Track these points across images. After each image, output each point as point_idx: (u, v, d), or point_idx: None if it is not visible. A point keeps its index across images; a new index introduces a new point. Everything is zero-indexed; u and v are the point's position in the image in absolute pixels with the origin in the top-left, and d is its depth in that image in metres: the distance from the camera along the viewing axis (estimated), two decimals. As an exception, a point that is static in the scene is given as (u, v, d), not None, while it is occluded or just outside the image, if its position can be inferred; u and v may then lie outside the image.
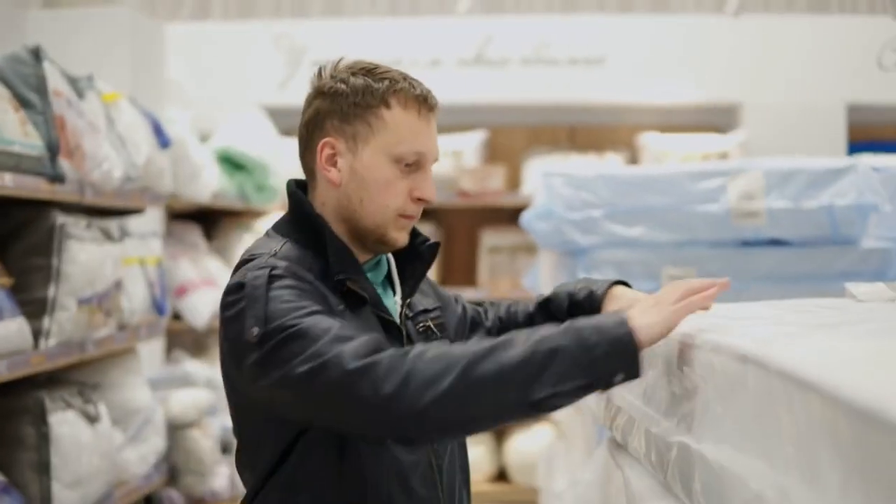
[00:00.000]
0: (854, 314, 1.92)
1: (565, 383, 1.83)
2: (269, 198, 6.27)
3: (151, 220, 5.22)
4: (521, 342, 1.87)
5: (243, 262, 2.20)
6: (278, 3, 7.56)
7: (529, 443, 6.75)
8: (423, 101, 2.24)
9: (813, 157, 3.75)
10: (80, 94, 4.01)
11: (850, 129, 6.98)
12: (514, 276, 6.97)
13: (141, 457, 4.50)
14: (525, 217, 3.79)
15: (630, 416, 2.18)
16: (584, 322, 1.88)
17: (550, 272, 4.12)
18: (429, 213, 7.16)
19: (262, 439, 2.18)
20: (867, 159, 3.73)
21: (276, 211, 6.76)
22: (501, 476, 7.11)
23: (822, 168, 3.53)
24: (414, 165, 2.24)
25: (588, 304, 2.38)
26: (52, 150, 3.60)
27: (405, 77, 2.26)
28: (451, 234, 7.41)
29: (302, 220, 2.28)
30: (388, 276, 2.39)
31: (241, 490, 5.45)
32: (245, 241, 6.26)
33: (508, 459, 6.97)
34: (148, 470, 4.55)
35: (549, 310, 2.48)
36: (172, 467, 4.90)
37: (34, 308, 3.70)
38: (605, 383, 1.85)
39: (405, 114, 2.21)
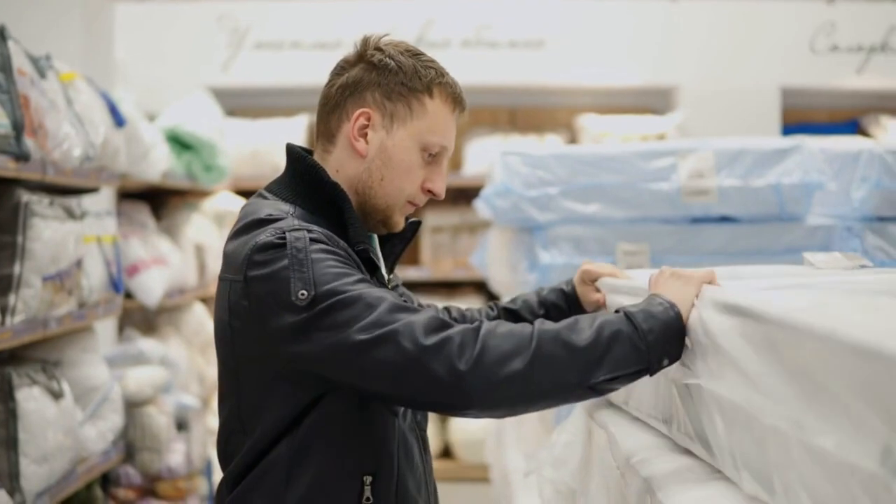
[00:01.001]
0: (821, 278, 2.06)
1: (623, 368, 1.94)
2: (216, 178, 6.31)
3: (105, 199, 5.25)
4: (587, 326, 1.96)
5: (259, 222, 2.18)
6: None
7: (473, 421, 6.87)
8: (460, 101, 2.34)
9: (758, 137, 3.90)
10: (41, 74, 4.04)
11: (783, 112, 7.17)
12: (457, 255, 7.10)
13: (100, 434, 4.54)
14: (483, 194, 3.90)
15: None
16: (634, 308, 1.99)
17: (503, 249, 4.23)
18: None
19: (268, 400, 2.16)
20: (810, 140, 3.88)
21: (223, 190, 6.81)
22: (446, 453, 7.21)
23: (770, 148, 3.67)
24: (435, 157, 2.31)
25: (563, 299, 2.67)
26: (18, 128, 3.63)
27: (447, 72, 2.36)
28: (393, 214, 7.48)
29: (314, 186, 2.27)
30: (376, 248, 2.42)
31: (197, 466, 5.45)
32: (193, 220, 6.30)
33: (453, 437, 7.08)
34: (106, 447, 4.59)
35: (517, 314, 2.66)
36: (129, 444, 4.95)
37: (0, 285, 3.74)
38: (655, 368, 1.96)
39: (443, 107, 2.30)
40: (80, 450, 4.27)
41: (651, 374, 1.98)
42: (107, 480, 4.96)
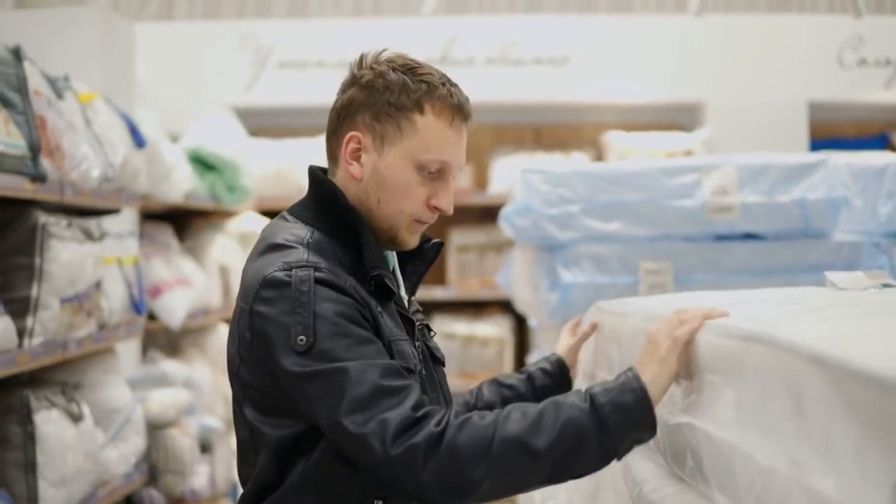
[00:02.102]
0: (839, 300, 1.99)
1: (587, 467, 1.97)
2: (240, 198, 6.30)
3: (127, 220, 5.23)
4: (550, 422, 1.95)
5: (274, 247, 2.19)
6: (242, 3, 7.59)
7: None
8: (459, 111, 2.23)
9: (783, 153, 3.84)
10: (58, 95, 4.03)
11: (811, 127, 7.10)
12: (483, 274, 7.04)
13: (122, 456, 4.51)
14: (503, 213, 3.85)
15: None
16: (604, 397, 1.95)
17: (526, 268, 4.17)
18: (396, 213, 7.19)
19: (277, 426, 2.17)
20: (836, 155, 3.82)
21: (247, 211, 6.79)
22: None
23: (794, 163, 3.62)
24: (436, 174, 2.22)
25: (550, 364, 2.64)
26: (34, 149, 3.62)
27: (445, 82, 2.24)
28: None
29: (332, 209, 2.25)
30: (393, 273, 2.37)
31: (221, 489, 5.43)
32: (217, 241, 6.28)
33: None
34: (129, 469, 4.57)
35: (501, 382, 2.62)
36: (152, 467, 4.92)
37: (18, 307, 3.71)
38: (623, 454, 1.96)
39: (437, 122, 2.20)
40: (102, 473, 4.24)
41: (619, 460, 1.99)
42: (130, 503, 4.93)
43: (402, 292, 2.35)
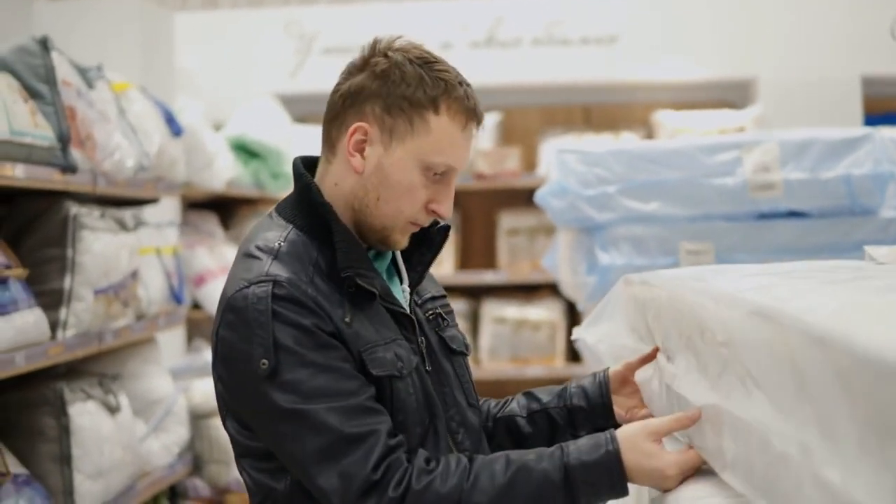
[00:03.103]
0: (870, 273, 1.89)
1: None
2: (284, 185, 6.26)
3: (168, 209, 5.22)
4: (522, 492, 1.91)
5: (244, 256, 2.11)
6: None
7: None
8: (473, 115, 2.11)
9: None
10: (89, 84, 4.00)
11: (865, 102, 6.93)
12: (534, 257, 6.95)
13: (164, 447, 4.49)
14: (539, 194, 3.77)
15: (661, 375, 2.15)
16: (584, 474, 1.92)
17: (567, 251, 4.09)
18: (445, 197, 7.13)
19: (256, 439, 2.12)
20: (885, 130, 3.70)
21: (292, 198, 6.74)
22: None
23: (838, 138, 3.50)
24: (440, 177, 2.12)
25: (592, 388, 2.39)
26: (63, 139, 3.59)
27: (461, 81, 2.12)
28: (469, 217, 7.38)
29: (308, 207, 2.14)
30: (394, 263, 2.28)
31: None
32: (262, 229, 6.24)
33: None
34: (171, 460, 4.55)
35: (534, 396, 2.45)
36: (196, 457, 4.90)
37: (50, 299, 3.69)
38: None
39: (451, 124, 2.08)
40: (142, 464, 4.22)
41: None
42: (175, 493, 4.91)
43: (404, 285, 2.25)
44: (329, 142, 2.17)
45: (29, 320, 3.46)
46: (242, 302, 2.00)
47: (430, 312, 2.27)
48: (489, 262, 7.24)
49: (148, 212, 4.77)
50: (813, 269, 2.04)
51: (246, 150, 6.04)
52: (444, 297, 2.38)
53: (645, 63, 7.00)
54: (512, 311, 6.93)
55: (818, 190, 3.48)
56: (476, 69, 6.90)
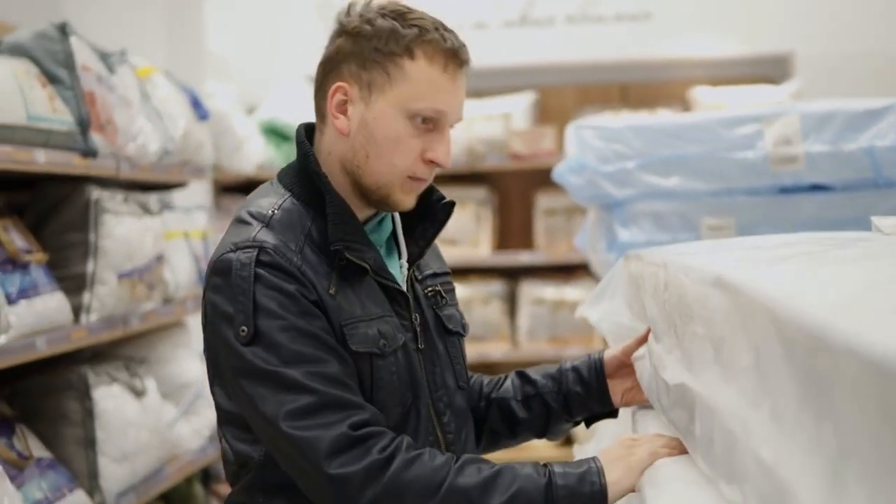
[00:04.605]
0: (863, 245, 1.84)
1: None
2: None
3: (198, 193, 5.23)
4: (502, 488, 1.87)
5: (236, 221, 2.11)
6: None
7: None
8: (453, 56, 2.08)
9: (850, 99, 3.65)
10: (111, 69, 4.01)
11: (905, 74, 6.82)
12: (571, 237, 6.90)
13: (194, 431, 4.51)
14: (557, 171, 3.72)
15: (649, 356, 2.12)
16: (562, 479, 1.89)
17: (591, 228, 4.05)
18: (482, 177, 7.12)
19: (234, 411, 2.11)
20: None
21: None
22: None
23: (860, 109, 3.43)
24: (430, 124, 2.08)
25: (587, 368, 2.37)
26: (83, 124, 3.61)
27: (438, 26, 2.09)
28: (506, 198, 7.36)
29: (306, 175, 2.13)
30: (394, 236, 2.26)
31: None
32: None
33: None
34: (202, 443, 4.56)
35: (527, 377, 2.43)
36: (227, 439, 4.90)
37: (73, 283, 3.72)
38: None
39: (430, 67, 2.05)
40: (171, 448, 4.23)
41: None
42: (207, 476, 4.93)
43: (402, 260, 2.22)
44: (319, 112, 2.16)
45: (51, 305, 3.48)
46: (227, 266, 2.01)
47: (430, 289, 2.26)
48: (526, 242, 7.20)
49: (177, 196, 4.79)
50: (809, 241, 2.00)
51: (278, 134, 6.05)
52: (446, 274, 2.37)
53: (680, 39, 6.93)
54: (550, 291, 6.89)
55: (841, 163, 3.41)
56: (510, 48, 6.92)
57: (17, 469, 3.28)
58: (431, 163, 2.10)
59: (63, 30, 3.67)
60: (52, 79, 3.58)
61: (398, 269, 2.21)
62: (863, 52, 6.68)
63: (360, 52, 2.07)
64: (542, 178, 7.18)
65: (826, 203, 3.47)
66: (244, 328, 1.95)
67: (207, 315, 2.05)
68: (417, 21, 2.07)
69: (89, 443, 3.69)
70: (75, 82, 3.63)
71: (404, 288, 2.18)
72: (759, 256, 1.59)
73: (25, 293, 3.36)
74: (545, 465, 1.92)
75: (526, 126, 6.95)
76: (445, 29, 2.10)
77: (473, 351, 6.67)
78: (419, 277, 2.26)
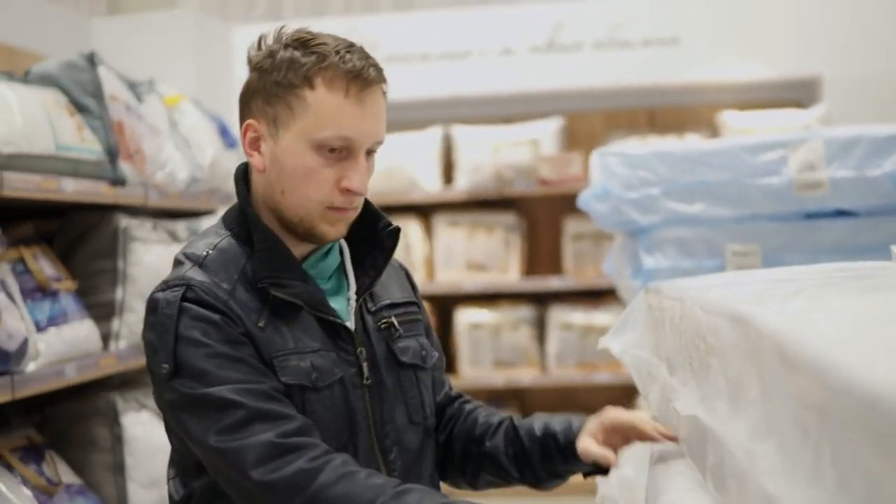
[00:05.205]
0: (877, 277, 1.85)
1: None
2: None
3: (226, 221, 5.25)
4: None
5: (175, 261, 2.09)
6: (347, 5, 7.59)
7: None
8: (354, 78, 1.98)
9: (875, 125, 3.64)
10: (139, 98, 4.06)
11: (934, 98, 6.80)
12: (599, 262, 6.89)
13: (221, 455, 4.52)
14: (582, 198, 3.74)
15: (663, 389, 2.13)
16: None
17: (617, 255, 4.06)
18: (510, 203, 7.13)
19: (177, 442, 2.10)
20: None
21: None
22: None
23: (884, 135, 3.43)
24: (343, 152, 2.01)
25: (563, 436, 2.18)
26: (112, 153, 3.65)
27: (340, 49, 2.00)
28: (534, 223, 7.37)
29: (239, 214, 2.11)
30: (343, 267, 2.20)
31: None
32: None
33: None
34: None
35: (518, 435, 2.25)
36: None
37: (103, 311, 3.76)
38: None
39: (329, 95, 1.98)
40: (199, 473, 4.25)
41: None
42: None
43: (350, 292, 2.16)
44: (245, 152, 2.13)
45: (80, 332, 3.52)
46: (154, 304, 2.00)
47: (383, 321, 2.19)
48: (555, 267, 7.21)
49: (206, 223, 4.83)
50: (825, 272, 2.00)
51: (306, 160, 6.08)
52: (407, 304, 2.29)
53: (708, 63, 6.93)
54: (578, 316, 6.89)
55: (865, 188, 3.41)
56: (538, 74, 6.95)
57: (47, 495, 3.31)
58: (348, 191, 2.03)
59: (91, 59, 3.72)
60: (80, 108, 3.63)
61: (345, 302, 2.16)
62: (891, 75, 6.66)
63: (263, 88, 2.03)
64: (570, 204, 7.17)
65: (850, 228, 3.47)
66: (165, 365, 1.94)
67: (147, 356, 2.04)
68: (318, 48, 2.01)
69: (118, 468, 3.72)
70: (103, 112, 3.68)
71: (349, 321, 2.12)
72: (774, 289, 1.59)
73: (55, 321, 3.40)
74: None
75: (554, 151, 6.96)
76: (349, 50, 2.02)
77: (502, 376, 6.70)
78: (371, 309, 2.19)
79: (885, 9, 6.76)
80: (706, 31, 6.90)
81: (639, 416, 2.12)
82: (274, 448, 1.86)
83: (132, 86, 4.06)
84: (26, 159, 3.21)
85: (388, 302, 2.23)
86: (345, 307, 2.14)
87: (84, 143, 3.52)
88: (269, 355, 1.99)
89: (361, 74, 1.99)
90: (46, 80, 3.60)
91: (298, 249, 2.11)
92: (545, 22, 6.97)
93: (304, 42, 2.02)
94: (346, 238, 2.19)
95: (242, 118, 2.09)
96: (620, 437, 2.11)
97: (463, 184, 6.82)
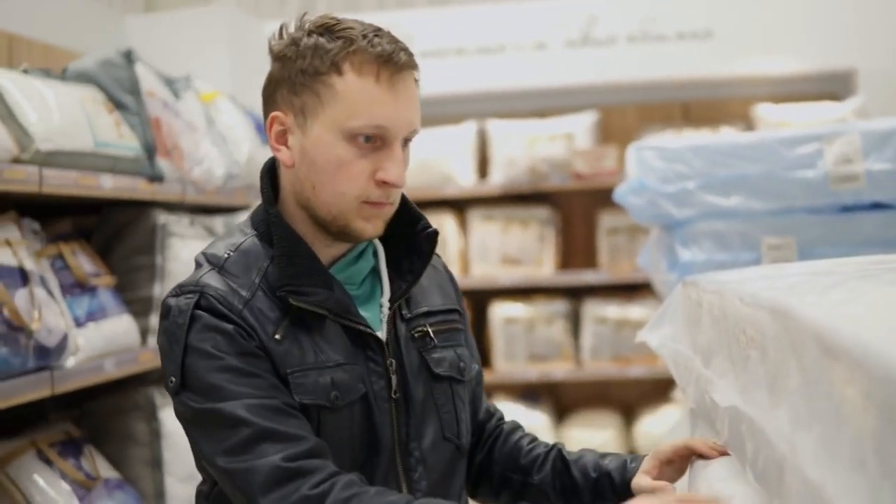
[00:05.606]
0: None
1: None
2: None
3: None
4: None
5: (196, 262, 2.01)
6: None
7: (659, 424, 6.64)
8: (385, 62, 1.88)
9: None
10: (176, 95, 4.08)
11: (970, 89, 6.75)
12: (634, 256, 6.89)
13: (258, 449, 4.55)
14: (618, 192, 3.74)
15: (699, 381, 2.12)
16: None
17: (653, 248, 4.06)
18: (545, 197, 7.13)
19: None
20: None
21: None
22: (631, 459, 7.01)
23: (921, 126, 3.42)
24: (377, 142, 1.90)
25: (619, 476, 2.08)
26: (149, 150, 3.68)
27: (368, 33, 1.91)
28: (569, 217, 7.36)
29: (264, 214, 2.00)
30: (372, 274, 2.08)
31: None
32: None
33: (639, 443, 6.89)
34: (266, 462, 4.60)
35: (567, 469, 2.15)
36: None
37: (141, 306, 3.78)
38: None
39: (359, 80, 1.87)
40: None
41: None
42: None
43: (383, 298, 2.04)
44: (271, 146, 2.02)
45: (119, 327, 3.55)
46: (167, 310, 1.92)
47: (417, 330, 2.06)
48: (589, 261, 7.20)
49: (243, 219, 4.85)
50: (861, 264, 2.00)
51: (341, 156, 6.09)
52: (447, 311, 2.16)
53: (742, 57, 6.90)
54: (613, 310, 6.88)
55: (902, 181, 3.41)
56: (572, 68, 6.94)
57: (86, 489, 3.34)
58: (385, 184, 1.92)
59: (128, 56, 3.75)
60: (118, 105, 3.66)
61: (377, 309, 2.04)
62: (926, 68, 6.62)
63: (288, 77, 1.92)
64: (604, 198, 7.17)
65: (887, 221, 3.46)
66: (172, 378, 1.86)
67: (161, 361, 1.96)
68: (344, 32, 1.91)
69: (156, 463, 3.75)
70: (141, 108, 3.71)
71: (381, 329, 2.01)
72: (812, 282, 1.59)
73: (93, 316, 3.43)
74: None
75: (588, 145, 6.95)
76: (377, 34, 1.92)
77: (536, 370, 6.70)
78: (407, 316, 2.07)
79: (920, 1, 6.72)
80: (740, 25, 6.88)
81: (691, 438, 2.04)
82: (280, 472, 1.76)
83: (169, 82, 4.09)
84: (65, 156, 3.23)
85: (425, 310, 2.11)
86: (376, 314, 2.03)
87: (122, 139, 3.54)
88: (284, 371, 1.88)
89: (392, 59, 1.89)
90: (84, 78, 3.63)
91: (331, 251, 2.01)
92: (579, 16, 6.96)
93: (328, 27, 1.92)
94: (382, 239, 2.09)
95: (267, 112, 1.99)
96: (674, 468, 2.02)
97: (497, 178, 6.82)
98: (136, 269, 3.82)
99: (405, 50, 1.93)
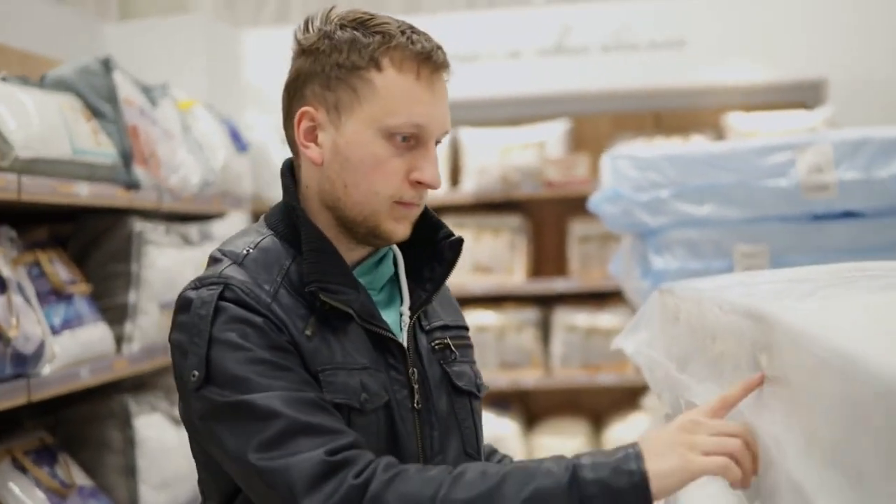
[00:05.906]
0: (885, 275, 1.88)
1: None
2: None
3: (237, 223, 5.29)
4: (510, 495, 1.57)
5: (210, 260, 1.91)
6: (354, 3, 7.61)
7: (628, 431, 6.67)
8: (425, 60, 1.84)
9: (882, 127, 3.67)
10: (153, 103, 4.09)
11: (938, 100, 6.82)
12: (605, 264, 6.92)
13: (233, 457, 4.55)
14: (593, 201, 3.77)
15: (674, 387, 2.15)
16: (591, 473, 1.56)
17: (625, 256, 4.09)
18: (516, 205, 7.15)
19: (209, 464, 1.87)
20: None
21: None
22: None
23: (892, 136, 3.46)
24: (412, 141, 1.83)
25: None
26: (126, 157, 3.68)
27: (405, 30, 1.86)
28: (540, 225, 7.38)
29: (287, 211, 1.91)
30: (397, 279, 2.01)
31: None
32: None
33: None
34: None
35: None
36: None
37: (116, 314, 3.79)
38: None
39: (400, 77, 1.81)
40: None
41: None
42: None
43: (403, 307, 1.97)
44: (290, 144, 1.94)
45: (94, 335, 3.55)
46: (186, 303, 1.81)
47: (437, 342, 2.00)
48: (560, 269, 7.23)
49: (218, 226, 4.86)
50: (837, 272, 2.03)
51: (315, 164, 6.10)
52: (461, 328, 2.11)
53: (714, 66, 6.96)
54: (583, 318, 6.90)
55: (873, 190, 3.44)
56: (545, 77, 6.97)
57: (60, 497, 3.34)
58: (419, 184, 1.86)
59: (106, 64, 3.75)
60: (95, 113, 3.66)
61: (397, 317, 1.96)
62: (894, 78, 6.68)
63: (321, 71, 1.85)
64: (576, 206, 7.22)
65: (858, 230, 3.50)
66: (196, 371, 1.74)
67: (174, 360, 1.85)
68: (381, 27, 1.85)
69: (130, 471, 3.75)
70: (119, 116, 3.71)
71: (402, 337, 1.93)
72: (789, 288, 1.63)
73: (69, 323, 3.43)
74: (571, 460, 1.61)
75: (560, 154, 6.98)
76: (414, 31, 1.88)
77: (507, 378, 6.72)
78: (426, 328, 2.00)
79: (891, 11, 6.79)
80: (712, 34, 6.93)
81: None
82: (326, 467, 1.64)
83: (146, 90, 4.10)
84: (44, 164, 3.23)
85: (442, 323, 2.04)
86: (397, 322, 1.95)
87: (100, 147, 3.55)
88: (315, 368, 1.79)
89: (432, 57, 1.85)
90: (62, 85, 3.63)
91: (351, 255, 1.93)
92: (552, 25, 7.00)
93: (362, 22, 1.86)
94: (401, 246, 2.02)
95: (292, 108, 1.90)
96: None
97: (469, 186, 6.84)
98: (112, 277, 3.82)
99: (441, 49, 1.89)
